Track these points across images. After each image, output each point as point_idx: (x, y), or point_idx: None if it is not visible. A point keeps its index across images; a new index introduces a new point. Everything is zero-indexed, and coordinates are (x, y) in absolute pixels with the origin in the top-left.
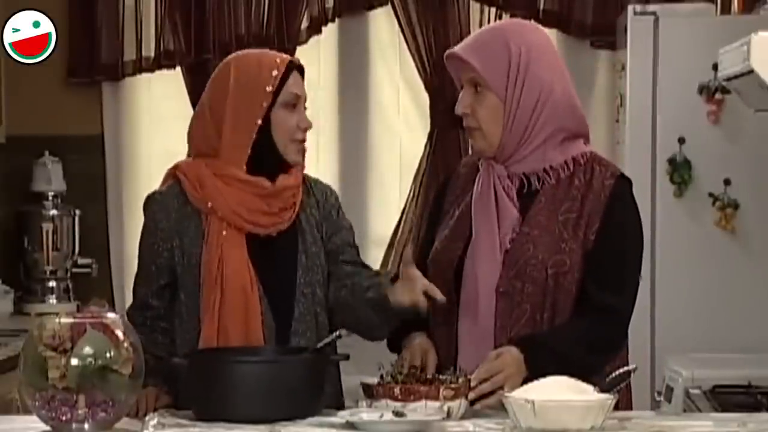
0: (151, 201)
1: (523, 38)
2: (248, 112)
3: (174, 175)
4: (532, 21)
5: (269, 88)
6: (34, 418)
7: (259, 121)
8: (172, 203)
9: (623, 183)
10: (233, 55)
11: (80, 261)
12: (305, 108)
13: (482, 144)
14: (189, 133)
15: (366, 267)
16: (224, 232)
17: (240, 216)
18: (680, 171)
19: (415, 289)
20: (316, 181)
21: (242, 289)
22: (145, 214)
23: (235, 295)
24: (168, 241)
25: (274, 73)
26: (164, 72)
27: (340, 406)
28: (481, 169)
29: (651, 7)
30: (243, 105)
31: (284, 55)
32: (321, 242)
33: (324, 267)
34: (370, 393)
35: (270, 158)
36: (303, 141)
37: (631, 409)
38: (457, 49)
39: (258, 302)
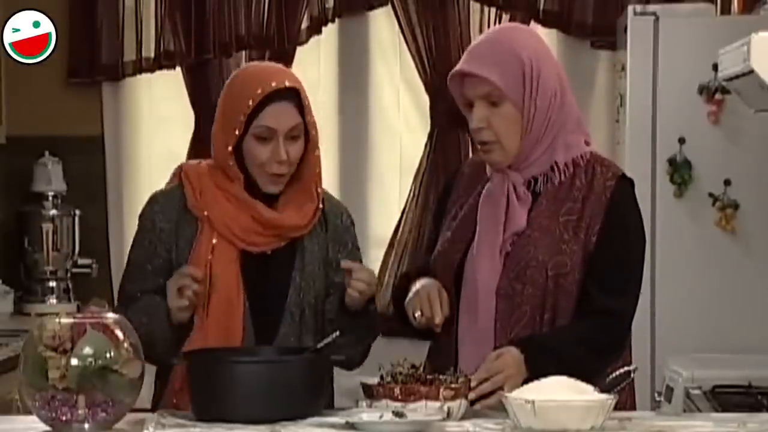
0: (152, 201)
1: (529, 45)
2: (224, 136)
3: (178, 177)
4: (533, 21)
5: (241, 118)
6: (34, 418)
7: (230, 149)
8: (174, 205)
9: (624, 184)
10: (243, 68)
11: (80, 261)
12: (300, 135)
13: (499, 156)
14: None
15: None
16: (214, 241)
17: (232, 232)
18: (680, 171)
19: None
20: (331, 199)
21: (227, 302)
22: (144, 213)
23: (219, 307)
24: (167, 242)
25: (249, 103)
26: (164, 72)
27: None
28: (490, 173)
29: (651, 8)
30: (224, 128)
31: (273, 83)
32: (322, 262)
33: (321, 287)
34: (370, 393)
35: (251, 183)
36: (277, 174)
37: (634, 409)
38: (467, 67)
39: (241, 318)
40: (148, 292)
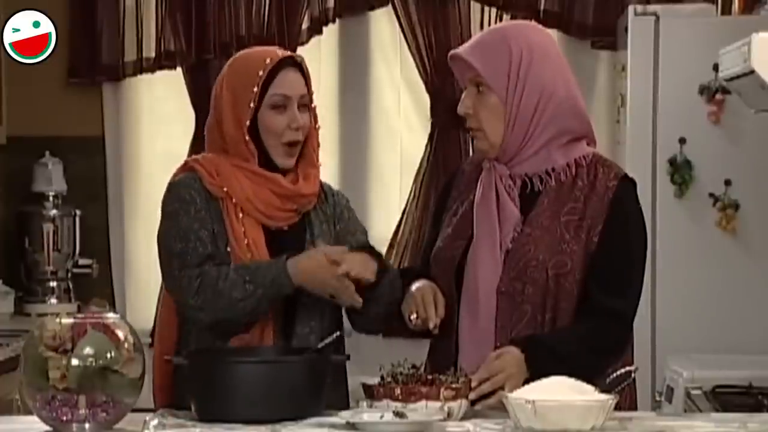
0: (176, 183)
1: (525, 39)
2: (237, 115)
3: (187, 167)
4: (533, 21)
5: (255, 89)
6: (35, 418)
7: (248, 123)
8: (194, 186)
9: (626, 185)
10: (239, 53)
11: (81, 261)
12: (308, 104)
13: (484, 144)
14: (205, 131)
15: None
16: (240, 215)
17: (255, 207)
18: (681, 171)
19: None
20: (326, 184)
21: None
22: (171, 196)
23: None
24: (207, 211)
25: (260, 73)
26: (165, 72)
27: (345, 407)
28: (484, 168)
29: (652, 8)
30: (235, 106)
31: (279, 53)
32: (330, 236)
33: None
34: (371, 393)
35: (267, 159)
36: (294, 143)
37: (635, 409)
38: (459, 49)
39: None
40: (214, 258)
